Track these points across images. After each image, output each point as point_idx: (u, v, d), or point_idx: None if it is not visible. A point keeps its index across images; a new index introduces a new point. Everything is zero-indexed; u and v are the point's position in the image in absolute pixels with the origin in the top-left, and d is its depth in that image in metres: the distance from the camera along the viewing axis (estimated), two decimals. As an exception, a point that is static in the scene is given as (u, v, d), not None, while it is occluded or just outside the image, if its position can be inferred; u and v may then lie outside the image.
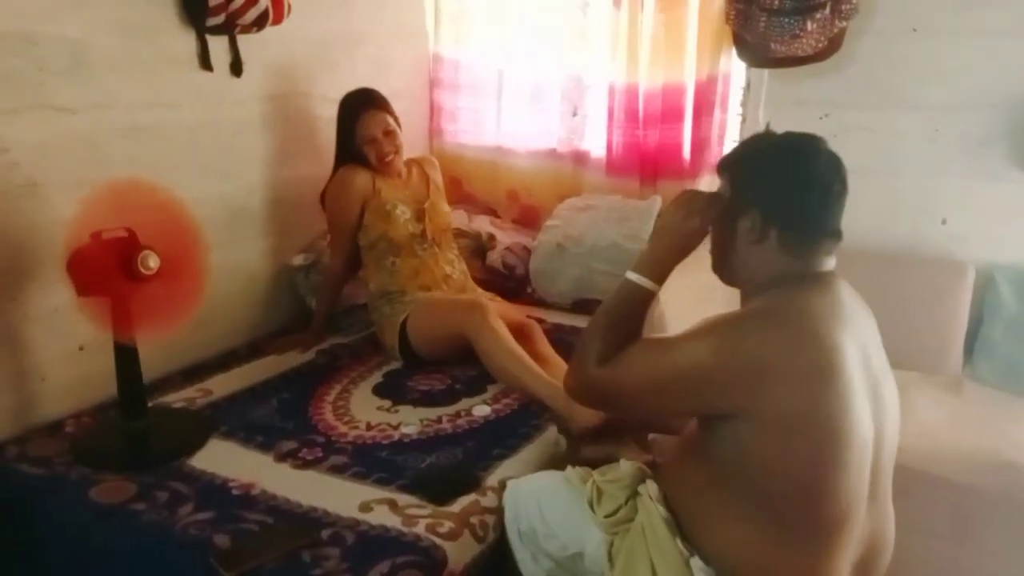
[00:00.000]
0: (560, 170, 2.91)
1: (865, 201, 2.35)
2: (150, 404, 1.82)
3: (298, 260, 2.43)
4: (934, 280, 2.25)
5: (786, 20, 2.26)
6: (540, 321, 2.41)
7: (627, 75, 2.66)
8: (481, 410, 1.86)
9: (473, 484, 1.54)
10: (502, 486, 1.53)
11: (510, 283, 2.70)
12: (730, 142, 2.59)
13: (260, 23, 2.13)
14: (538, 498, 1.42)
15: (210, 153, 2.18)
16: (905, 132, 2.33)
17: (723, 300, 1.34)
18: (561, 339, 2.28)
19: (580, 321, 2.47)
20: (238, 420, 1.83)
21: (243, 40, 2.19)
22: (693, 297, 2.09)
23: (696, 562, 1.18)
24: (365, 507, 1.49)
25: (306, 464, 1.64)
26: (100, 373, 1.79)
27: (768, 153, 1.22)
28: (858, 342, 1.14)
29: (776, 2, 2.25)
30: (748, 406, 1.08)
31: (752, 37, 2.34)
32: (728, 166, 1.25)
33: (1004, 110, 2.19)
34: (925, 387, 2.05)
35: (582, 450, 1.66)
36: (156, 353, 1.91)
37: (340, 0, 2.58)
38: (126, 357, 1.65)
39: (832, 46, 2.29)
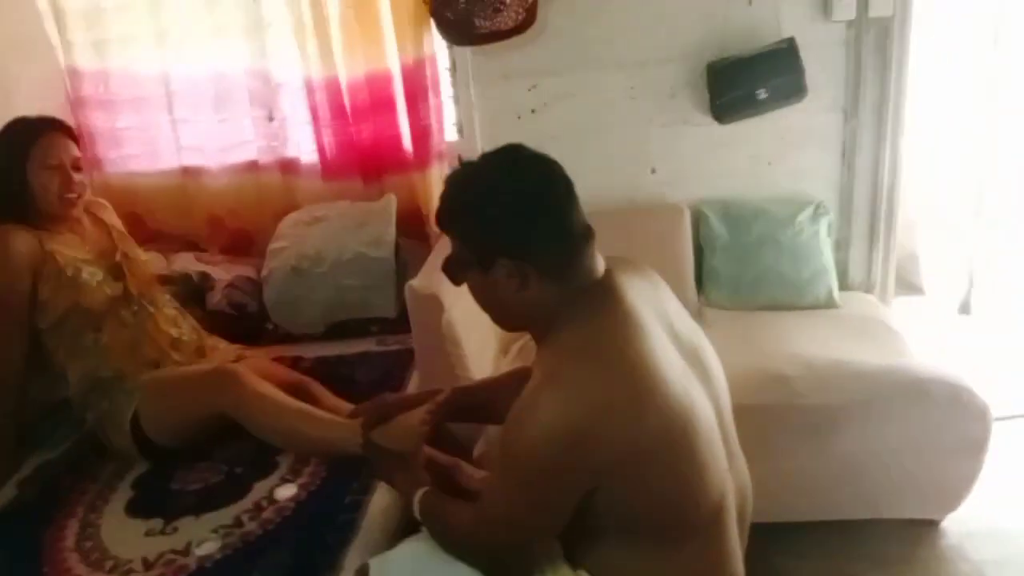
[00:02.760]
0: (267, 184, 2.54)
1: (583, 161, 2.42)
2: None
3: (-53, 368, 1.77)
4: (657, 225, 2.44)
5: (486, -5, 2.20)
6: (298, 359, 2.12)
7: (323, 68, 2.39)
8: (285, 491, 1.52)
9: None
10: (362, 576, 1.26)
11: (243, 324, 2.31)
12: (449, 126, 2.49)
13: None
14: (412, 572, 1.20)
15: None
16: (606, 92, 2.46)
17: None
18: (331, 374, 2.00)
19: (342, 348, 2.22)
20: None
21: None
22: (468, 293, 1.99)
23: None
24: None
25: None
26: None
27: (476, 194, 1.08)
28: (661, 328, 1.11)
29: (472, -24, 2.18)
30: (597, 469, 1.00)
31: (454, 14, 2.25)
32: (446, 223, 1.12)
33: (681, 63, 2.41)
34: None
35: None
36: None
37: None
38: None
39: (530, 17, 2.30)
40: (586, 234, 1.08)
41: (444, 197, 1.11)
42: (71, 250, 1.80)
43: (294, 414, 1.64)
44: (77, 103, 2.51)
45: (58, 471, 1.72)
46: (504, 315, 1.15)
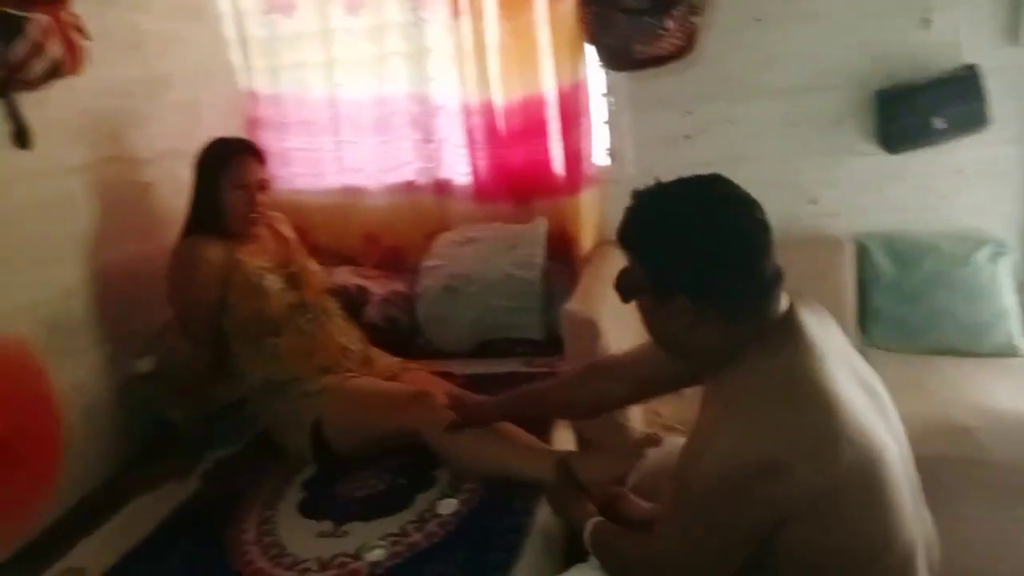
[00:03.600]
0: (421, 204, 2.64)
1: (738, 191, 2.43)
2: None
3: (144, 365, 1.93)
4: (815, 258, 2.32)
5: (647, 20, 2.21)
6: (449, 375, 2.15)
7: (480, 92, 2.46)
8: (448, 506, 1.55)
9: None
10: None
11: (395, 337, 2.39)
12: (601, 151, 2.50)
13: (52, 76, 1.63)
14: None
15: (4, 253, 1.64)
16: (763, 119, 2.39)
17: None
18: (482, 392, 1.96)
19: (491, 367, 2.24)
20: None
21: (23, 100, 1.67)
22: (620, 319, 1.97)
23: None
24: None
25: (269, 643, 1.25)
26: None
27: (668, 224, 1.04)
28: (844, 365, 1.06)
29: (635, 2, 2.19)
30: (780, 508, 0.96)
31: (613, 40, 2.26)
32: (629, 243, 1.08)
33: (847, 90, 2.31)
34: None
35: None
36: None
37: (132, 39, 2.11)
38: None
39: (689, 44, 2.28)
40: (776, 278, 1.04)
41: (632, 216, 1.07)
42: (255, 259, 1.93)
43: (483, 441, 1.63)
44: (253, 124, 2.70)
45: (235, 467, 1.84)
46: (670, 343, 1.13)
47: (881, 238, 2.35)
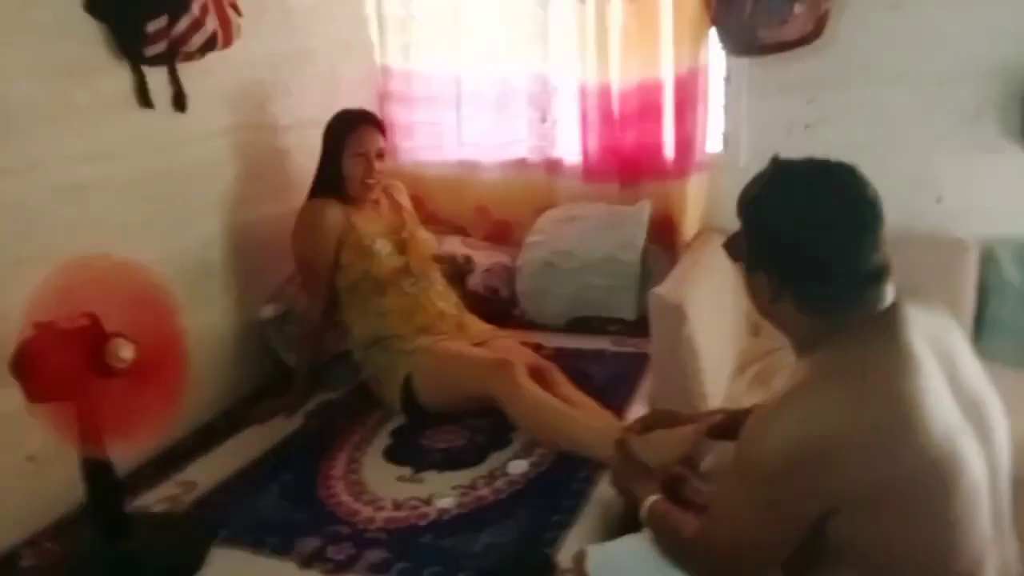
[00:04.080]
0: (532, 181, 2.71)
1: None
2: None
3: (268, 312, 2.16)
4: (934, 260, 2.17)
5: (775, 4, 2.15)
6: (539, 348, 2.23)
7: (598, 74, 2.50)
8: (517, 466, 1.65)
9: (547, 568, 1.34)
10: (578, 562, 1.33)
11: (495, 306, 2.50)
12: (717, 136, 2.46)
13: (207, 49, 1.85)
14: (629, 566, 1.24)
15: (160, 205, 1.89)
16: (893, 110, 2.27)
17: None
18: (568, 366, 2.08)
19: (581, 342, 2.32)
20: (239, 518, 1.56)
21: (183, 69, 1.90)
22: (712, 307, 1.97)
23: None
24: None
25: (339, 567, 1.39)
26: (56, 484, 1.51)
27: (767, 200, 1.05)
28: (940, 373, 1.01)
29: (765, -14, 2.14)
30: (832, 495, 0.96)
31: (737, 25, 2.22)
32: (738, 207, 1.09)
33: (992, 81, 2.15)
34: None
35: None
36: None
37: (281, 15, 2.31)
38: (100, 474, 1.36)
39: (817, 28, 2.20)
40: (873, 276, 1.02)
41: (750, 184, 1.09)
42: (369, 224, 2.09)
43: (552, 413, 1.73)
44: (384, 97, 2.87)
45: (337, 411, 2.02)
46: (759, 312, 1.14)
47: (1013, 244, 2.17)
